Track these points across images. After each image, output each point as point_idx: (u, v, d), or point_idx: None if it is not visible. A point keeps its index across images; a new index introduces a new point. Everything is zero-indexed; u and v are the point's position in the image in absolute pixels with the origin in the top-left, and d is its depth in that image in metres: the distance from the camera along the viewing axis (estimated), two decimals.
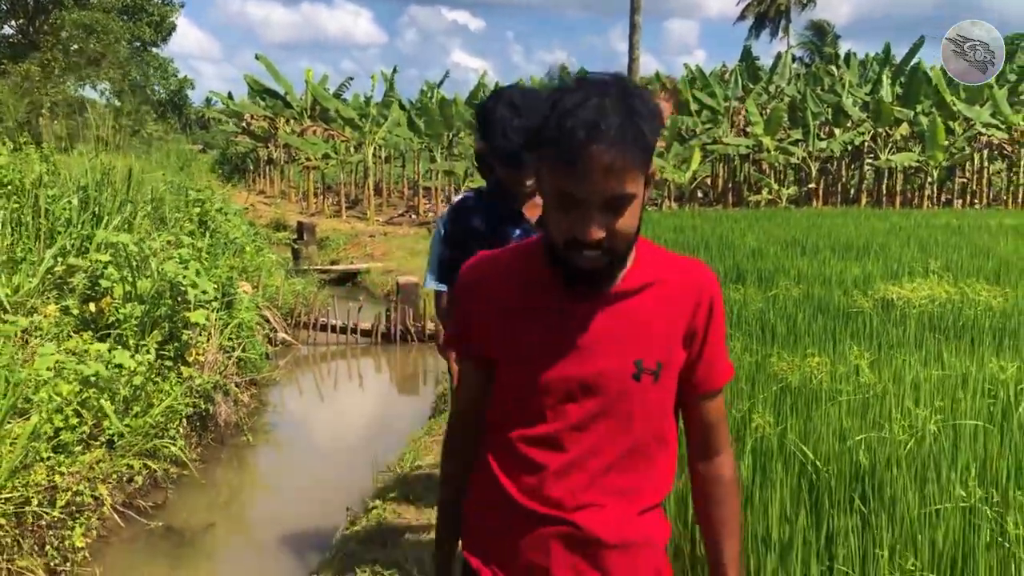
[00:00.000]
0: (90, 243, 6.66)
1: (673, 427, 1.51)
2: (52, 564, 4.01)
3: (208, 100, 39.53)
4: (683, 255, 1.51)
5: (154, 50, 40.03)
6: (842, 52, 33.47)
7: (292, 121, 27.27)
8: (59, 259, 6.12)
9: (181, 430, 5.56)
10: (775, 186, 22.86)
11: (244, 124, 29.50)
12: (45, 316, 5.55)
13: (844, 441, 3.55)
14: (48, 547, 4.04)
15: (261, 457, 6.44)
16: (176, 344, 5.97)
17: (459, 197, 2.86)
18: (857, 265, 8.95)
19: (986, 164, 24.34)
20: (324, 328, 9.44)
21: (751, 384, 4.47)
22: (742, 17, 56.52)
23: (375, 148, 24.66)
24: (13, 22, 35.83)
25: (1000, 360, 4.76)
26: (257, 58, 27.66)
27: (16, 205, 6.39)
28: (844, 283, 7.66)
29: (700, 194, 26.35)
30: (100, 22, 33.86)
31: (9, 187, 6.66)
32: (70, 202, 6.75)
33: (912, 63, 24.78)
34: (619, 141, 1.26)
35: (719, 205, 24.18)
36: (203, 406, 6.09)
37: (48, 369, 4.44)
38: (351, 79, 30.44)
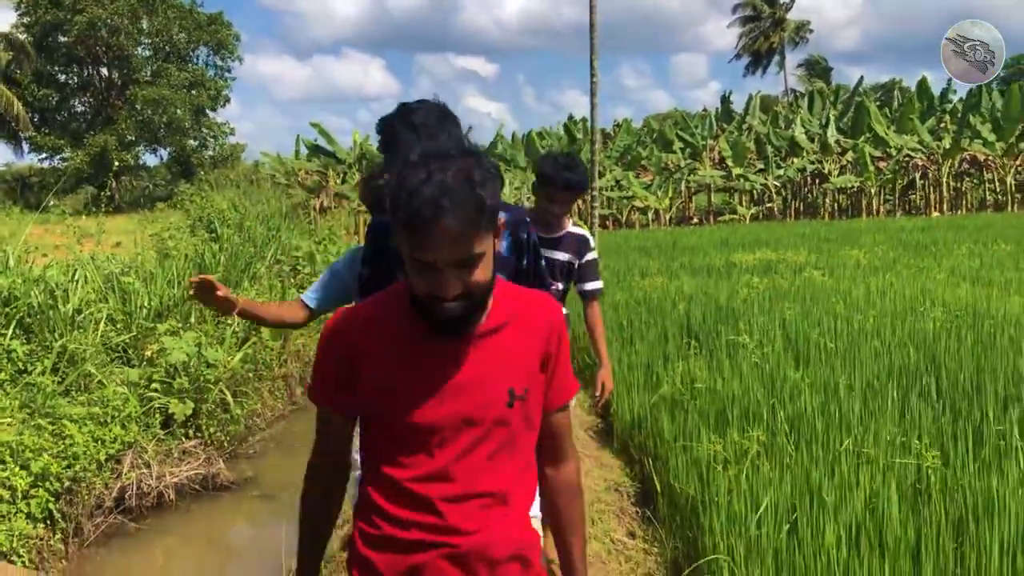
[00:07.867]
0: (266, 249, 11.74)
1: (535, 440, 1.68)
2: None
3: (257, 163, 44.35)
4: (530, 289, 1.73)
5: (211, 114, 44.75)
6: (852, 79, 38.53)
7: (343, 173, 32.75)
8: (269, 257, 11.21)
9: None
10: (739, 207, 27.83)
11: (298, 179, 35.00)
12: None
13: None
14: None
15: None
16: None
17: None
18: (749, 250, 13.89)
19: (920, 180, 29.21)
20: None
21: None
22: (738, 56, 61.24)
23: None
24: (89, 98, 41.26)
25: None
26: (312, 125, 33.30)
27: (236, 231, 11.52)
28: (725, 253, 12.61)
29: (690, 216, 31.40)
30: (167, 97, 39.12)
31: (230, 221, 11.81)
32: (263, 228, 11.90)
33: (856, 99, 29.85)
34: (462, 213, 1.39)
35: (699, 224, 29.20)
36: None
37: None
38: None
